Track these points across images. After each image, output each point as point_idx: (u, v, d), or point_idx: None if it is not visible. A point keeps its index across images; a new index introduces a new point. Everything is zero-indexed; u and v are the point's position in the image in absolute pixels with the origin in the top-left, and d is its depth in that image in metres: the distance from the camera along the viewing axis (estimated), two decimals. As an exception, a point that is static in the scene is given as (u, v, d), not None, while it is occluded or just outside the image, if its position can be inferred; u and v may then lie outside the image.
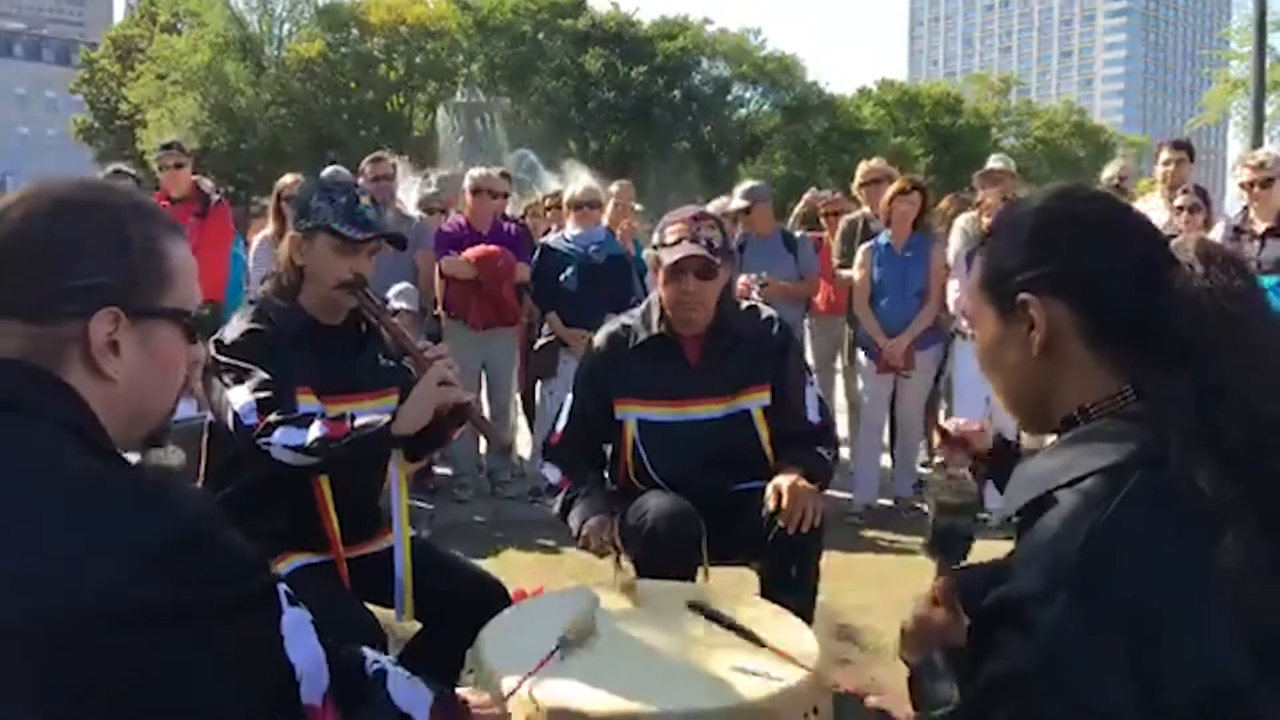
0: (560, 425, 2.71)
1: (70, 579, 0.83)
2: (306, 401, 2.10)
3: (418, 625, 2.30)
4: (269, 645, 0.96)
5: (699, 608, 1.71)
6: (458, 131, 20.44)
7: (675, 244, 2.53)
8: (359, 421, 1.99)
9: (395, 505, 2.29)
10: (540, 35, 41.12)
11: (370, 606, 2.17)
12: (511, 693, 1.56)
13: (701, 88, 45.17)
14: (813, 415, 2.69)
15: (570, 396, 2.74)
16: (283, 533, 2.10)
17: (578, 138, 41.82)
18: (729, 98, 46.64)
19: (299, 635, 0.99)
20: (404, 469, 2.29)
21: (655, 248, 2.64)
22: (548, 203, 6.21)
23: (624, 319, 2.74)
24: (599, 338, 2.74)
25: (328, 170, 5.98)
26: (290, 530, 2.12)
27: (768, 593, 2.35)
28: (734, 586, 2.46)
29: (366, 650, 1.22)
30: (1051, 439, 1.15)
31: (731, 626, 1.69)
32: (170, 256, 1.06)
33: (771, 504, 2.33)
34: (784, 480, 2.36)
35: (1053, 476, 1.01)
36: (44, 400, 0.96)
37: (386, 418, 2.00)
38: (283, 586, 0.99)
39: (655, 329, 2.63)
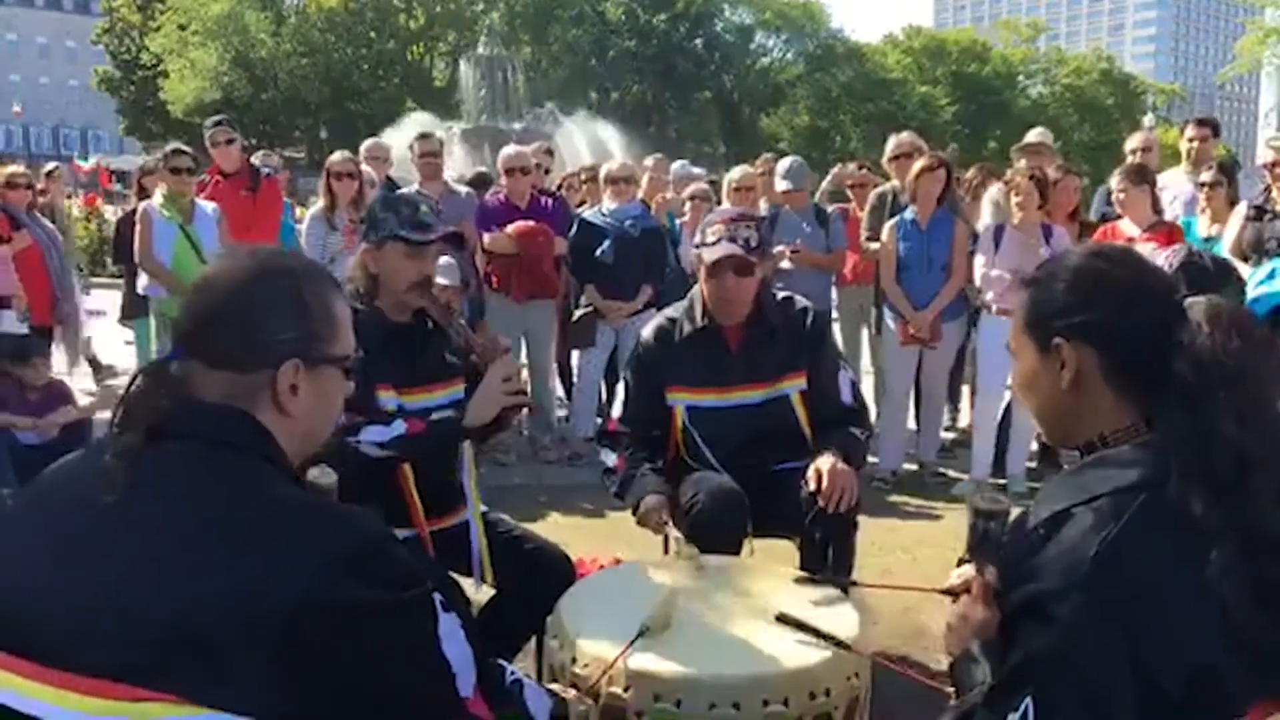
0: (615, 413, 2.93)
1: (285, 582, 1.05)
2: (386, 396, 2.36)
3: (491, 591, 2.54)
4: (432, 642, 1.18)
5: (787, 620, 1.91)
6: (479, 84, 20.44)
7: (715, 243, 2.73)
8: (434, 417, 2.26)
9: (466, 483, 2.54)
10: (560, -18, 40.65)
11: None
12: (605, 671, 1.79)
13: (724, 35, 44.56)
14: (846, 398, 2.89)
15: (621, 385, 2.96)
16: (373, 509, 2.34)
17: (598, 88, 41.52)
18: (752, 46, 46.01)
19: (452, 637, 1.21)
20: (472, 449, 2.55)
21: (697, 246, 2.82)
22: (583, 175, 6.36)
23: (669, 313, 2.95)
24: (647, 332, 2.95)
25: (368, 143, 6.18)
26: (379, 508, 2.35)
27: (806, 565, 2.58)
28: (776, 559, 2.69)
29: (504, 663, 1.44)
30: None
31: (819, 634, 1.89)
32: (335, 312, 1.29)
33: (812, 484, 2.55)
34: (824, 463, 2.57)
35: (1073, 494, 1.22)
36: (250, 439, 1.20)
37: (458, 413, 2.26)
38: (437, 595, 1.21)
39: (699, 322, 2.84)
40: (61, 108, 67.40)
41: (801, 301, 2.97)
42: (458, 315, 2.54)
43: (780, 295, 2.99)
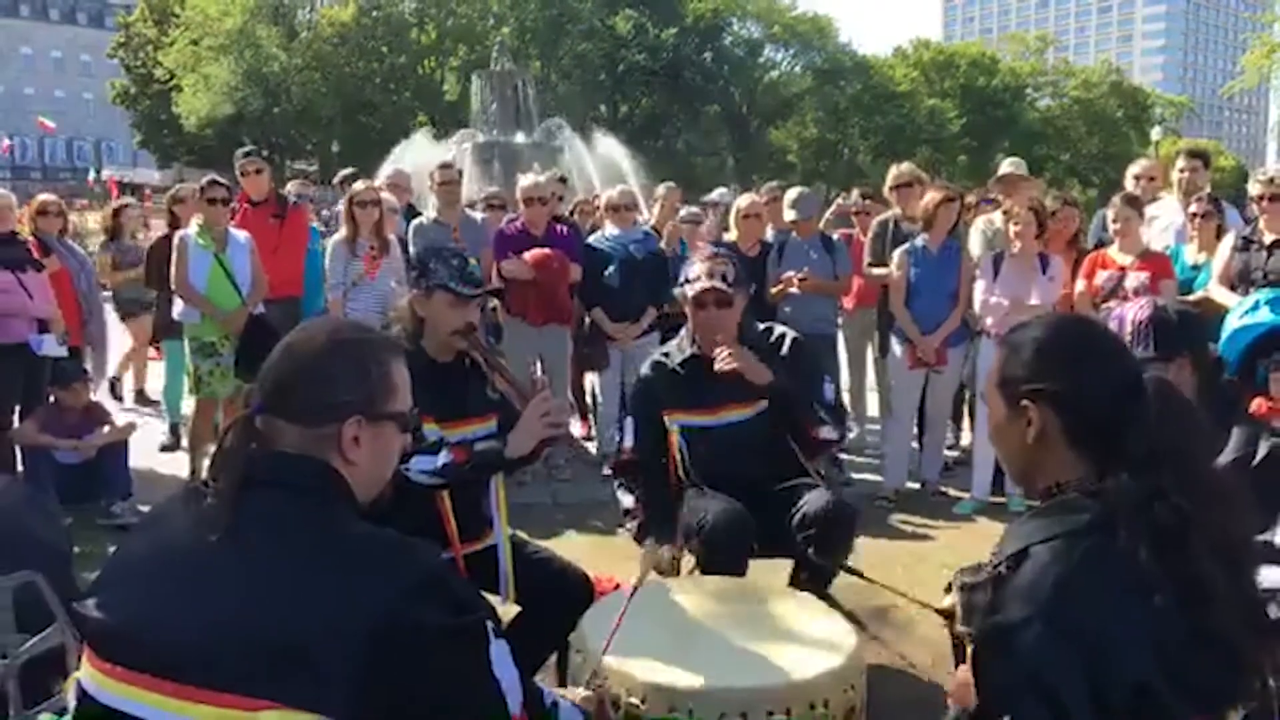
0: (627, 444, 3.21)
1: (368, 604, 1.25)
2: (429, 429, 2.58)
3: (516, 609, 2.74)
4: (487, 665, 1.36)
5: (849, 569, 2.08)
6: (489, 99, 20.70)
7: (696, 279, 3.04)
8: (477, 447, 2.48)
9: (494, 508, 2.75)
10: (571, -4, 40.98)
11: (478, 593, 2.63)
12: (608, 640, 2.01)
13: (733, 50, 44.81)
14: (828, 397, 3.17)
15: (630, 419, 3.26)
16: (411, 534, 2.55)
17: (608, 101, 41.80)
18: (760, 60, 46.27)
19: (502, 661, 1.38)
20: (501, 479, 2.75)
21: (682, 284, 3.11)
22: (596, 202, 6.58)
23: (664, 348, 3.29)
24: (645, 367, 3.28)
25: (389, 171, 6.39)
26: (417, 533, 2.56)
27: (799, 582, 2.80)
28: (771, 575, 2.88)
29: (543, 685, 1.63)
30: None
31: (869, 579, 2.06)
32: (394, 375, 1.49)
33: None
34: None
35: (1032, 535, 1.40)
36: (327, 485, 1.40)
37: (500, 444, 2.48)
38: (489, 623, 1.39)
39: (688, 352, 3.14)
40: (76, 121, 67.99)
41: (780, 329, 3.24)
42: (498, 356, 2.75)
43: (762, 326, 3.27)
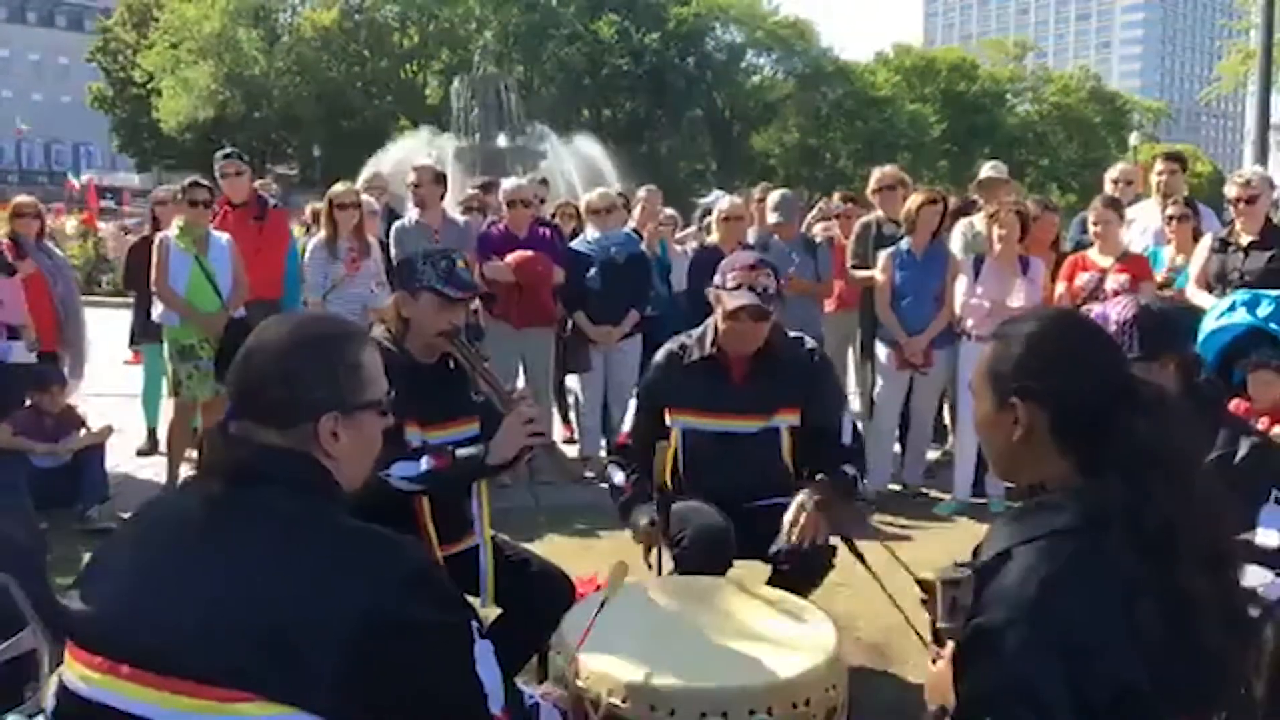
0: (626, 428, 3.15)
1: (357, 598, 1.24)
2: (412, 432, 2.55)
3: (497, 610, 2.72)
4: (472, 664, 1.35)
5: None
6: (471, 103, 20.65)
7: (735, 289, 2.91)
8: (459, 453, 2.46)
9: (477, 511, 2.73)
10: (553, 1, 40.96)
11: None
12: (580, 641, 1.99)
13: (715, 54, 44.89)
14: (846, 438, 3.05)
15: (634, 402, 3.19)
16: (392, 535, 2.54)
17: (590, 105, 41.81)
18: (742, 65, 46.39)
19: (485, 661, 1.37)
20: (484, 481, 2.73)
21: (716, 288, 2.99)
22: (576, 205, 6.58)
23: (683, 338, 3.16)
24: (660, 354, 3.17)
25: (367, 173, 6.36)
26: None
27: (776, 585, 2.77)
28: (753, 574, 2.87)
29: (523, 685, 1.62)
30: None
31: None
32: (364, 365, 1.47)
33: (789, 518, 2.74)
34: (807, 501, 2.76)
35: (1015, 535, 1.39)
36: (317, 479, 1.39)
37: (481, 450, 2.46)
38: (474, 623, 1.38)
39: (708, 350, 3.04)
40: (54, 124, 67.41)
41: (810, 342, 3.16)
42: (483, 360, 2.71)
43: (792, 334, 3.16)
